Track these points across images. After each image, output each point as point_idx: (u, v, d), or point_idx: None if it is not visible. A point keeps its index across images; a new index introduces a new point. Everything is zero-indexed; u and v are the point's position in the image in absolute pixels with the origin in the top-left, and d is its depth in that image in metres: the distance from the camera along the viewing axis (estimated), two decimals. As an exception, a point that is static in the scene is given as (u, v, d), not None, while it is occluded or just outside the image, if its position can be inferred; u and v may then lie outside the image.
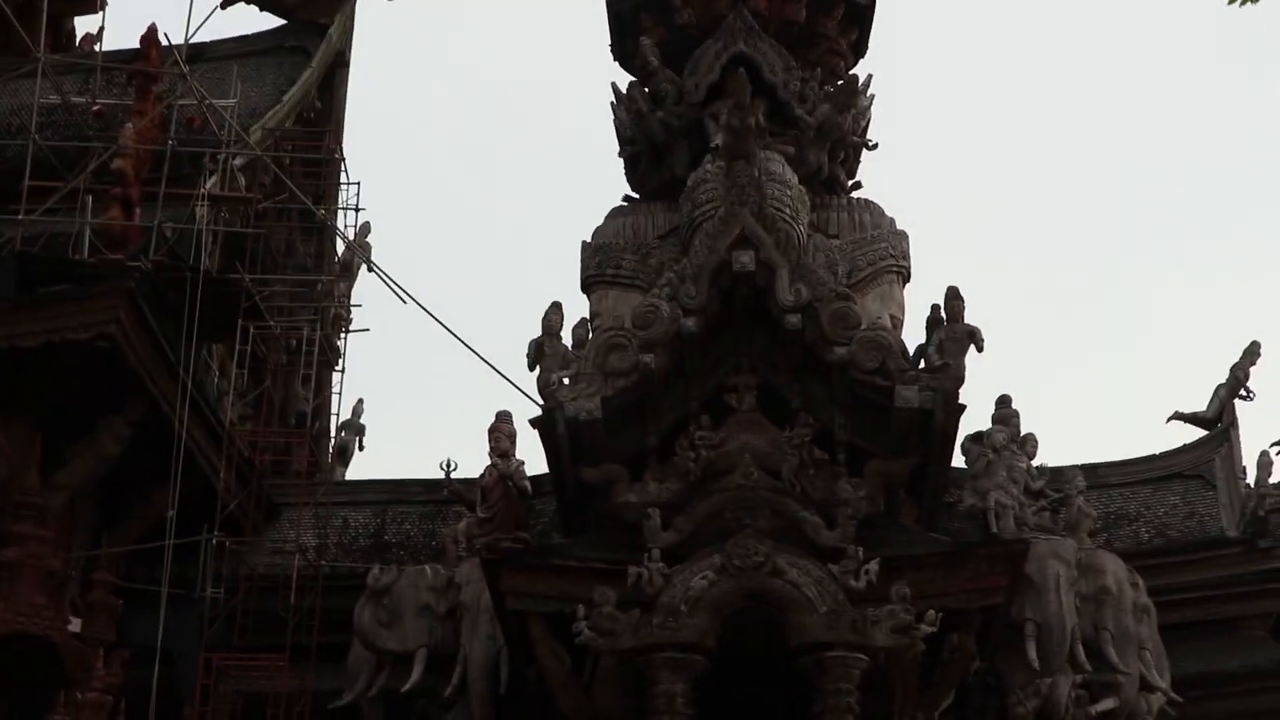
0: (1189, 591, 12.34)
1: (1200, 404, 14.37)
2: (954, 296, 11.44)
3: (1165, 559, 12.50)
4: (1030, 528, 11.46)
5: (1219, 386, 14.20)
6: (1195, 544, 12.78)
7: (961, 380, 10.95)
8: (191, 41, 15.54)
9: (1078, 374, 33.26)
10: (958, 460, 11.61)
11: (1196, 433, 14.29)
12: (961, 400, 10.74)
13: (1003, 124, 37.69)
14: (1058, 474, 12.14)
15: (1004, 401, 12.07)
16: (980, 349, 11.35)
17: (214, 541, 12.28)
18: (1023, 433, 11.99)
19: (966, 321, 11.33)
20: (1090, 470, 12.70)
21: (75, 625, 10.94)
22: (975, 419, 11.72)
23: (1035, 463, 12.02)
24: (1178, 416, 14.46)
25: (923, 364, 11.07)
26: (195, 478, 12.53)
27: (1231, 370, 14.18)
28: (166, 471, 12.01)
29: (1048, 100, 37.97)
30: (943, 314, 11.45)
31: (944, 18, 37.50)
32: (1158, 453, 14.02)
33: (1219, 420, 14.12)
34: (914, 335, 11.77)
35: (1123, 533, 12.91)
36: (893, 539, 10.54)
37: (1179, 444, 14.17)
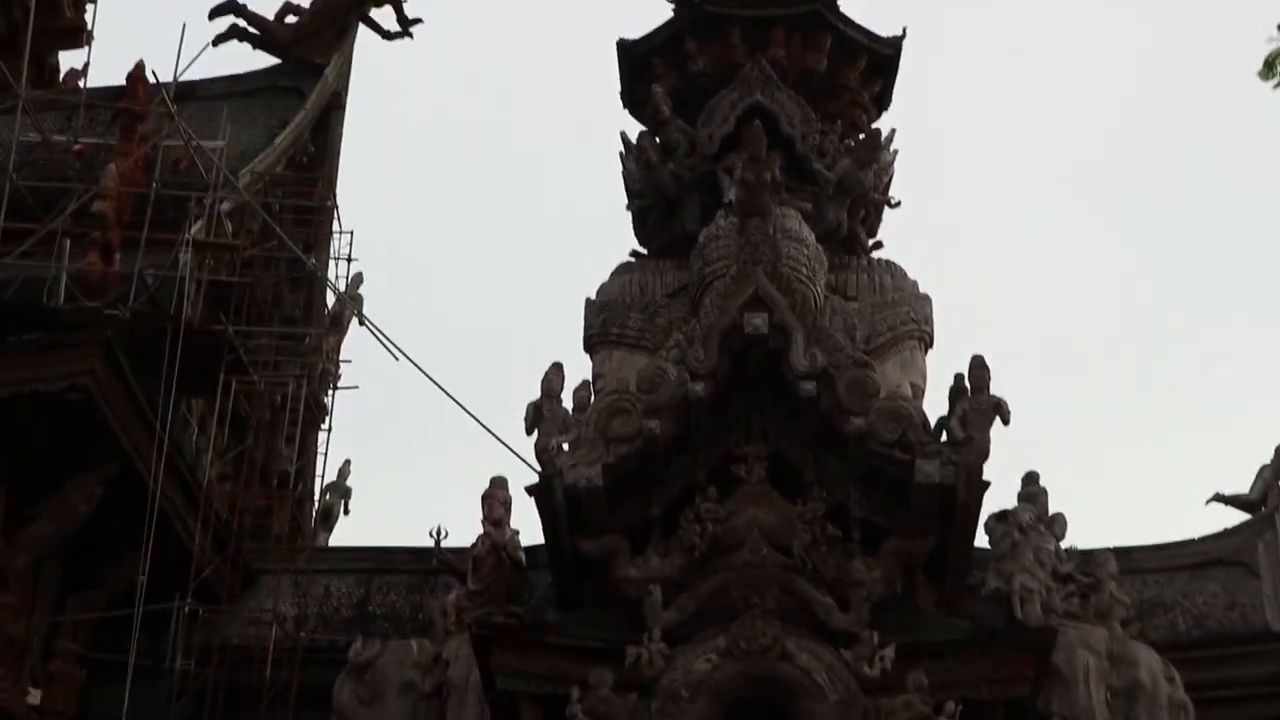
0: (1230, 689, 12.18)
1: (1243, 486, 14.28)
2: (979, 366, 11.45)
3: (1204, 652, 12.36)
4: (1058, 614, 11.37)
5: (1264, 467, 14.09)
6: (1237, 637, 12.64)
7: (986, 455, 10.95)
8: (180, 79, 15.63)
9: (1110, 450, 33.15)
10: (981, 540, 11.53)
11: (1239, 516, 14.17)
12: (985, 476, 10.72)
13: (1033, 184, 37.89)
14: (1088, 557, 12.05)
15: (1031, 478, 12.00)
16: (1006, 422, 11.34)
17: (186, 609, 12.20)
18: (1051, 512, 11.91)
19: (991, 392, 11.33)
20: (1123, 554, 12.59)
21: (35, 697, 10.86)
22: (1000, 497, 11.67)
23: (1064, 544, 11.93)
24: (1218, 499, 14.35)
25: (945, 437, 11.06)
26: (169, 541, 12.47)
27: (1277, 450, 14.11)
28: (138, 533, 11.95)
29: (1082, 160, 38.18)
30: (967, 384, 11.46)
31: (972, 69, 37.83)
32: (1196, 537, 13.91)
33: (1263, 503, 14.00)
34: (936, 406, 11.78)
35: (1158, 622, 12.78)
36: (910, 623, 10.46)
37: (1219, 528, 14.06)
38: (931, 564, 10.86)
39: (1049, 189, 37.87)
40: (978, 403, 11.27)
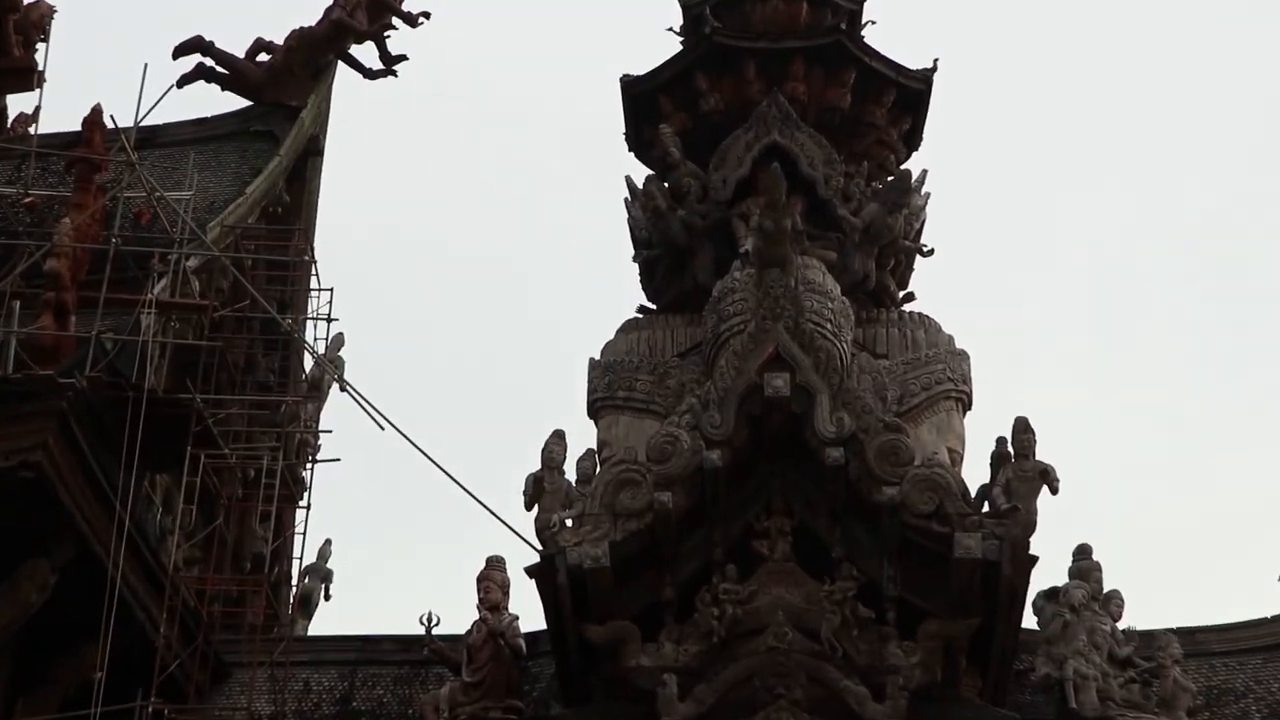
0: (1307, 783, 12.16)
1: (1318, 560, 14.24)
2: (1023, 429, 11.46)
3: (1279, 745, 12.33)
4: (1117, 703, 11.35)
5: (1340, 540, 14.08)
6: (1315, 728, 12.60)
7: (1033, 527, 10.94)
8: (142, 124, 15.78)
9: (1172, 521, 33.11)
10: (1029, 621, 11.53)
11: (1315, 594, 14.16)
12: (1033, 550, 10.71)
13: (1082, 226, 37.99)
14: (1149, 639, 12.02)
15: (1083, 552, 12.01)
16: (1054, 490, 11.35)
17: (151, 709, 12.18)
18: (1106, 589, 11.91)
19: (1038, 458, 11.32)
20: (1188, 635, 12.57)
21: (-16, 807, 10.82)
22: (1049, 573, 11.66)
23: (1121, 625, 11.93)
24: (1292, 575, 14.33)
25: (987, 508, 11.06)
26: (131, 632, 12.46)
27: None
28: (97, 624, 11.94)
29: (1139, 198, 38.29)
30: (1010, 449, 11.46)
31: (1011, 102, 38.01)
32: (1268, 616, 13.88)
33: (1341, 580, 13.97)
34: (976, 473, 11.78)
35: (1228, 711, 12.74)
36: (952, 715, 10.44)
37: (1294, 608, 14.02)
38: (975, 648, 10.84)
39: (1100, 231, 37.99)
40: (1022, 469, 11.28)
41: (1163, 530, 32.27)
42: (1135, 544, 29.39)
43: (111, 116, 15.25)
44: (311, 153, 18.46)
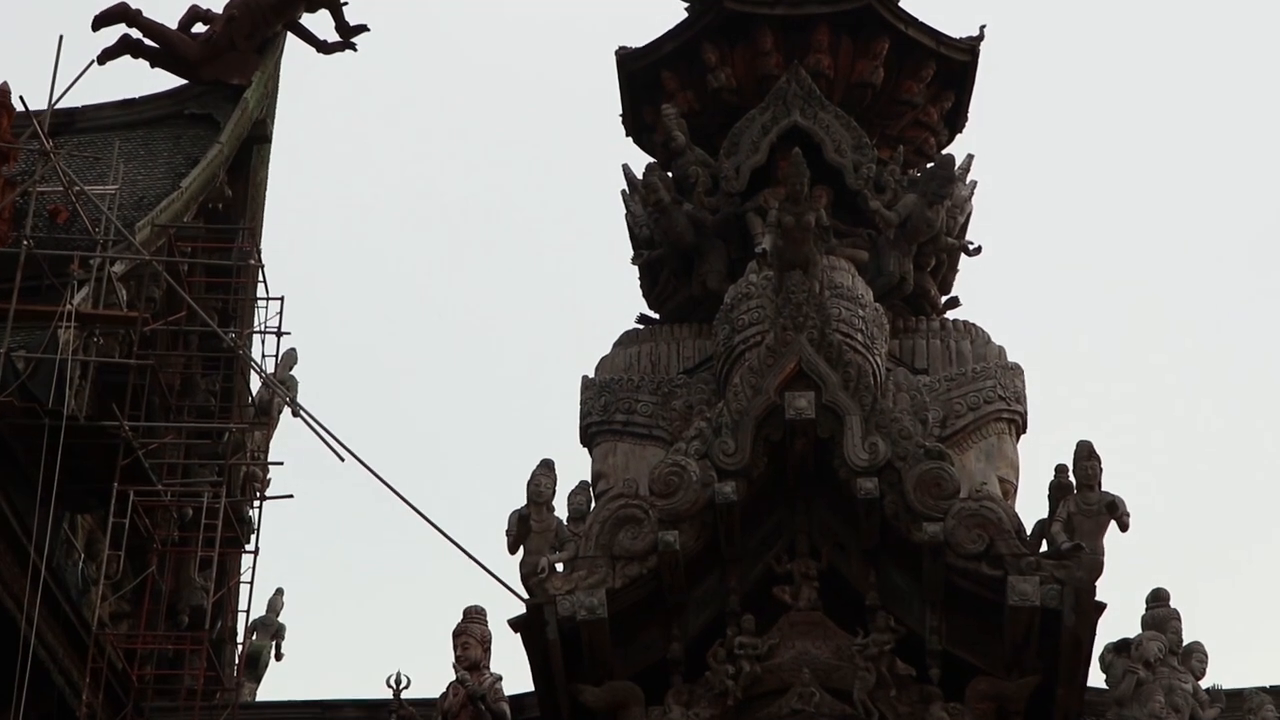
0: None
1: None
2: (1086, 455, 11.48)
3: (1386, 818, 12.34)
4: (1199, 774, 11.37)
5: None
6: None
7: (1099, 569, 10.95)
8: (57, 107, 15.82)
9: (1263, 563, 33.12)
10: (1095, 679, 11.55)
11: None
12: (1100, 597, 10.73)
13: (1151, 218, 38.02)
14: (1237, 700, 12.05)
15: (1159, 598, 12.03)
16: (1124, 527, 11.36)
17: (72, 787, 12.22)
18: (1185, 641, 11.93)
19: (1104, 489, 11.34)
20: (1281, 694, 12.60)
21: None
22: (1120, 623, 11.68)
23: (1205, 683, 11.94)
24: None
25: (1045, 547, 11.07)
26: (48, 698, 12.49)
27: None
28: (9, 689, 11.98)
29: (1208, 188, 38.35)
30: (1071, 478, 11.48)
31: (1069, 77, 38.05)
32: (1373, 671, 13.91)
33: None
34: (1033, 507, 11.81)
35: (1326, 781, 12.75)
36: (1007, 788, 10.48)
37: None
38: (1034, 710, 10.85)
39: (1178, 222, 37.98)
40: (1086, 502, 11.29)
41: (1252, 574, 32.29)
42: (1220, 589, 29.45)
43: (21, 97, 15.30)
44: (257, 140, 18.51)
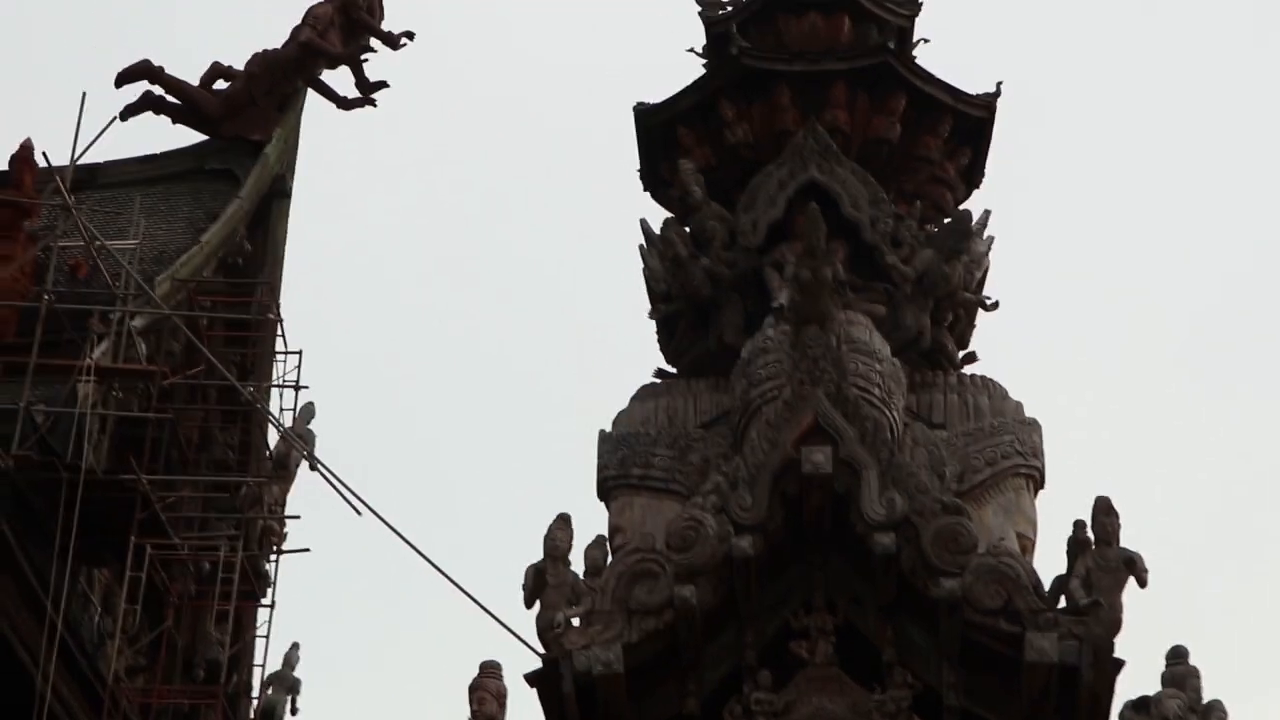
0: None
1: None
2: (1105, 511, 11.42)
3: None
4: (1220, 834, 11.28)
5: None
6: None
7: (1118, 626, 10.88)
8: (79, 163, 15.92)
9: (1282, 618, 32.94)
10: (1115, 736, 11.47)
11: None
12: (1118, 654, 10.68)
13: (1170, 273, 38.00)
14: (1256, 757, 11.97)
15: (1178, 655, 11.95)
16: (1143, 583, 11.29)
17: (87, 843, 12.18)
18: (1206, 699, 11.86)
19: (1123, 545, 11.29)
20: (1302, 753, 12.53)
21: None
22: (1138, 680, 11.61)
23: (1224, 741, 11.86)
24: None
25: (1063, 603, 11.02)
26: (65, 752, 12.47)
27: None
28: (24, 744, 11.96)
29: (1229, 246, 38.31)
30: (1089, 534, 11.43)
31: (1087, 134, 38.11)
32: (1396, 729, 13.81)
33: None
34: (1050, 563, 11.75)
35: (1349, 841, 12.67)
36: (1025, 846, 10.39)
37: None
38: (1051, 767, 10.79)
39: (1195, 278, 37.95)
40: (1105, 558, 11.22)
41: (1273, 631, 32.12)
42: (1240, 646, 29.28)
43: (44, 153, 15.42)
44: (277, 195, 18.61)
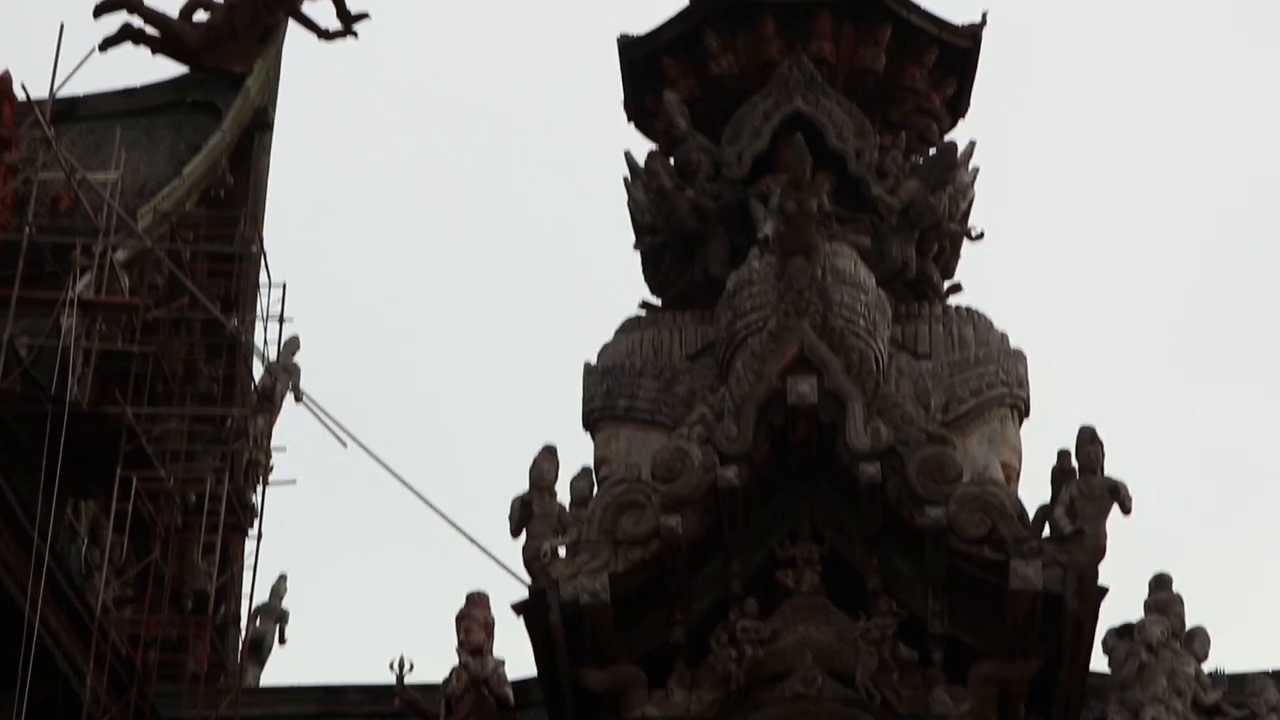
0: None
1: None
2: (1089, 439, 11.49)
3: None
4: (1202, 759, 11.40)
5: None
6: None
7: (1102, 553, 10.97)
8: (59, 95, 15.84)
9: (1268, 546, 33.13)
10: (1098, 663, 11.57)
11: None
12: (1102, 581, 10.74)
13: (1156, 203, 37.99)
14: (1240, 684, 12.06)
15: (1162, 582, 12.03)
16: (1127, 511, 11.38)
17: (77, 772, 12.24)
18: (1189, 625, 11.95)
19: (1107, 474, 11.35)
20: (1286, 679, 12.61)
21: None
22: (1122, 607, 11.70)
23: (1208, 667, 11.96)
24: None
25: (1048, 531, 11.09)
26: (53, 684, 12.51)
27: None
28: (12, 676, 12.00)
29: (1218, 176, 38.31)
30: (1074, 463, 11.50)
31: (1072, 62, 38.03)
32: (1381, 656, 13.90)
33: None
34: (1035, 491, 11.83)
35: (1334, 769, 12.75)
36: (1009, 771, 10.49)
37: None
38: (1036, 694, 10.87)
39: (1182, 207, 37.94)
40: (1089, 486, 11.29)
41: (1256, 557, 32.31)
42: (1223, 573, 29.46)
43: (23, 85, 15.32)
44: (259, 127, 18.55)
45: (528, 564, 11.26)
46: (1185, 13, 38.37)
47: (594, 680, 10.73)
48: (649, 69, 14.11)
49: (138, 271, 15.36)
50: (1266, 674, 12.12)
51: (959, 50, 14.07)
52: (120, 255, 14.90)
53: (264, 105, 18.60)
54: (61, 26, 15.49)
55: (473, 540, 12.63)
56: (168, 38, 18.65)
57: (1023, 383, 12.69)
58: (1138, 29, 38.71)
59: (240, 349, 16.27)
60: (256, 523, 15.52)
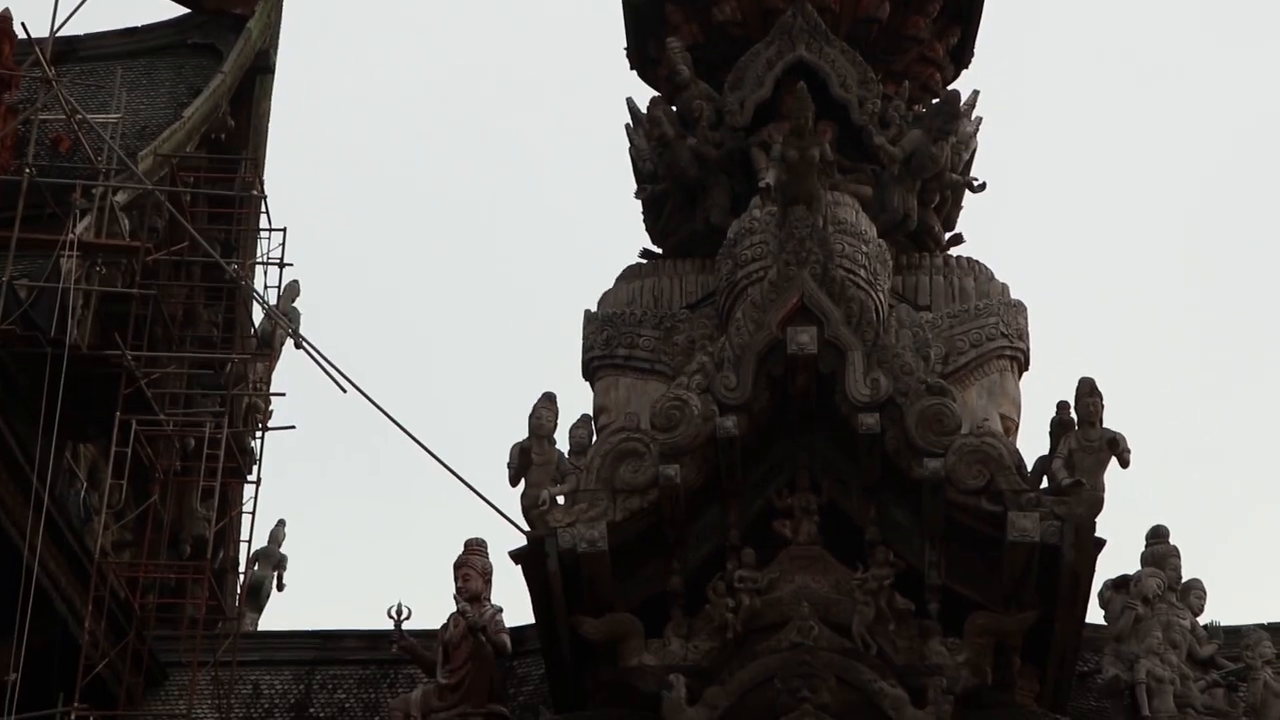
0: None
1: None
2: (1088, 392, 11.52)
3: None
4: (1197, 710, 11.45)
5: None
6: None
7: (1099, 505, 11.00)
8: (59, 35, 15.79)
9: (1263, 500, 33.22)
10: (1094, 615, 11.62)
11: None
12: (1099, 533, 10.78)
13: (1159, 156, 37.93)
14: (1235, 636, 12.12)
15: (1158, 535, 12.09)
16: (1125, 464, 11.41)
17: (74, 716, 12.28)
18: (1185, 578, 12.00)
19: (1105, 426, 11.38)
20: (1280, 632, 12.66)
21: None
22: (1119, 559, 11.75)
23: (1203, 620, 12.01)
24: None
25: (1046, 483, 11.12)
26: (51, 627, 12.56)
27: None
28: (10, 619, 12.04)
29: (1233, 122, 38.14)
30: (1073, 415, 11.52)
31: (1080, 12, 37.87)
32: (1373, 609, 13.95)
33: None
34: (1034, 443, 11.86)
35: (1327, 721, 12.81)
36: (1004, 722, 10.55)
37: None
38: (1031, 645, 10.93)
39: (1184, 161, 37.89)
40: (1088, 439, 11.33)
41: (1252, 510, 32.39)
42: (1220, 526, 29.56)
43: (23, 24, 15.29)
44: (260, 70, 18.49)
45: (526, 512, 11.30)
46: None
47: (591, 628, 10.78)
48: (652, 15, 14.08)
49: (138, 214, 15.33)
50: (1261, 627, 12.18)
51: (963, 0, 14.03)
52: (120, 198, 14.88)
53: (266, 48, 18.53)
54: (63, -35, 15.42)
55: (471, 487, 12.65)
56: (169, -23, 18.58)
57: (1023, 335, 12.71)
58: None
59: (240, 293, 16.25)
60: (255, 468, 15.53)
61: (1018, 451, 11.05)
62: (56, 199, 14.28)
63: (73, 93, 15.44)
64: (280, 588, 16.25)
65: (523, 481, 11.60)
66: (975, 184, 13.76)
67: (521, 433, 11.70)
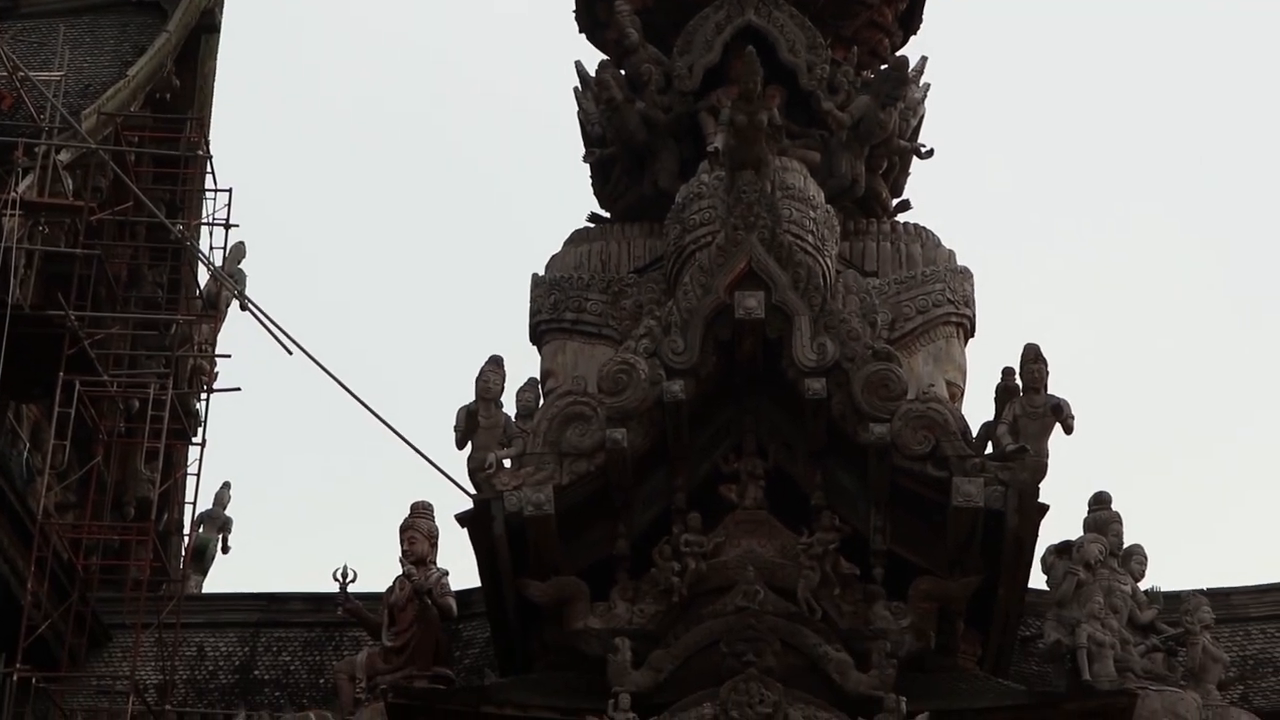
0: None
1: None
2: (1033, 358, 11.59)
3: (1323, 722, 12.55)
4: (1137, 674, 11.53)
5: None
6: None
7: (1043, 471, 11.09)
8: (1, -9, 15.69)
9: (1203, 467, 33.51)
10: (1037, 580, 11.72)
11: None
12: (1043, 499, 10.89)
13: (1103, 124, 38.10)
14: (1175, 601, 12.22)
15: (1101, 501, 12.18)
16: (1069, 430, 11.49)
17: (16, 677, 12.28)
18: (1126, 544, 12.10)
19: (1050, 392, 11.46)
20: (1220, 598, 12.77)
21: None
22: (1061, 525, 11.85)
23: (1144, 585, 12.12)
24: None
25: (990, 449, 11.20)
26: (-6, 588, 12.56)
27: None
28: (-46, 579, 12.04)
29: (1164, 97, 38.39)
30: (1018, 381, 11.60)
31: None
32: (1312, 576, 14.09)
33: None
34: (979, 409, 11.94)
35: (1266, 684, 12.96)
36: (947, 686, 10.63)
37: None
38: (975, 610, 11.04)
39: (1130, 130, 38.06)
40: (1032, 405, 11.39)
41: (1192, 478, 32.68)
42: (1160, 493, 29.81)
43: (-36, -18, 15.17)
44: (205, 29, 18.39)
45: (472, 475, 11.32)
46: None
47: (537, 591, 10.82)
48: (601, -22, 14.05)
49: (81, 174, 15.26)
50: (1200, 592, 12.29)
51: (912, -35, 14.06)
52: (64, 156, 14.82)
53: (211, 7, 18.43)
54: (1, -82, 15.32)
55: (417, 450, 12.69)
56: (112, -66, 18.44)
57: (969, 301, 12.77)
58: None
59: (185, 254, 16.20)
60: (200, 430, 15.51)
61: (963, 417, 11.12)
62: (-1, 157, 14.22)
63: (15, 50, 15.35)
64: (225, 550, 16.25)
65: (469, 445, 11.61)
66: (923, 150, 13.81)
67: (468, 396, 11.72)
